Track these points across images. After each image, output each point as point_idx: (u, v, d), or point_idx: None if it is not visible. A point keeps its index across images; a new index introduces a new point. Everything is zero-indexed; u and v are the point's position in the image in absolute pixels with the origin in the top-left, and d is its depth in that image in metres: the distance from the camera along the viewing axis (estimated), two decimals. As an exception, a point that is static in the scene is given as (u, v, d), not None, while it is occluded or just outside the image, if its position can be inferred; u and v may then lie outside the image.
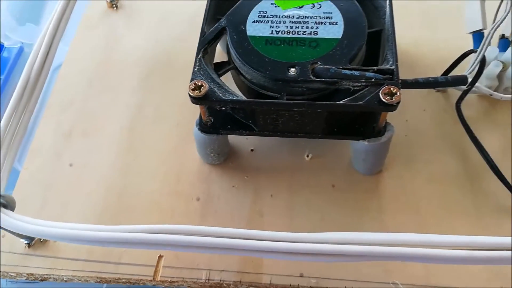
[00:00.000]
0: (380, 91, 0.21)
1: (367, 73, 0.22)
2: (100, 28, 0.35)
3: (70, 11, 0.30)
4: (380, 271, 0.24)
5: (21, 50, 0.37)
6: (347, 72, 0.22)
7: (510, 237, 0.18)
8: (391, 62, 0.23)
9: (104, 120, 0.30)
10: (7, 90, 0.35)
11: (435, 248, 0.19)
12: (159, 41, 0.34)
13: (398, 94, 0.21)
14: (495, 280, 0.24)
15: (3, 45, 0.37)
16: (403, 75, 0.31)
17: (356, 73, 0.22)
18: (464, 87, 0.26)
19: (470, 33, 0.30)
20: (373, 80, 0.22)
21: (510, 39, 0.30)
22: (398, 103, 0.21)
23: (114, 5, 0.36)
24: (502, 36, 0.30)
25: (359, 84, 0.22)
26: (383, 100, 0.21)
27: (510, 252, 0.18)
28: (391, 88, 0.21)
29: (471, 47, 0.29)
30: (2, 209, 0.22)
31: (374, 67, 0.22)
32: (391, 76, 0.22)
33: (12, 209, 0.22)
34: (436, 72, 0.30)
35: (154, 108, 0.30)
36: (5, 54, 0.37)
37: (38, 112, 0.31)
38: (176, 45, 0.33)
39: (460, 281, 0.24)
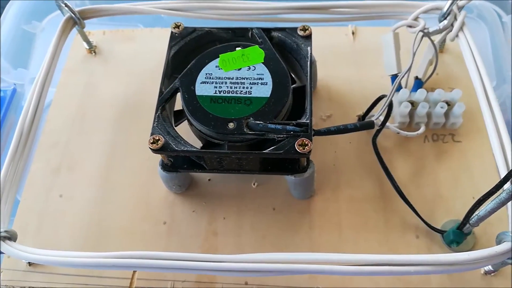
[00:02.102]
0: (296, 142, 0.27)
1: (287, 127, 0.28)
2: (80, 73, 0.40)
3: (57, 60, 0.36)
4: (306, 278, 0.30)
5: (14, 91, 0.43)
6: (272, 126, 0.28)
7: (405, 255, 0.24)
8: (307, 116, 0.29)
9: (85, 157, 0.36)
10: (4, 127, 0.41)
11: (342, 265, 0.25)
12: (130, 85, 0.40)
13: (309, 145, 0.27)
14: (397, 283, 0.30)
15: (-2, 87, 0.43)
16: (336, 111, 0.38)
17: (279, 127, 0.28)
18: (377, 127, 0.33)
19: (389, 75, 0.36)
20: (291, 132, 0.28)
21: (423, 81, 0.36)
22: (309, 151, 0.27)
23: (92, 51, 0.42)
24: (416, 78, 0.36)
25: (281, 135, 0.28)
26: (297, 150, 0.27)
27: (401, 267, 0.24)
28: (304, 140, 0.27)
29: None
30: (7, 241, 0.28)
31: (294, 121, 0.28)
32: (306, 128, 0.28)
33: (15, 240, 0.28)
34: (363, 108, 0.36)
35: (126, 145, 0.36)
36: (1, 94, 0.43)
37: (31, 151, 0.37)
38: (143, 89, 0.39)
39: (368, 284, 0.30)
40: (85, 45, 0.41)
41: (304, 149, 0.27)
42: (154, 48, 0.41)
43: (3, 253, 0.28)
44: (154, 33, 0.43)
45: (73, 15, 0.36)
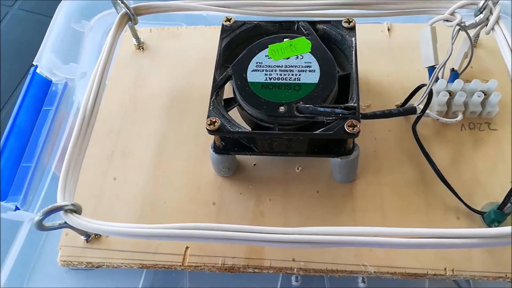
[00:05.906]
0: (345, 123, 0.29)
1: (336, 110, 0.30)
2: (130, 68, 0.43)
3: (113, 53, 0.38)
4: (352, 255, 0.32)
5: (65, 85, 0.46)
6: (321, 109, 0.30)
7: (451, 229, 0.25)
8: (354, 100, 0.30)
9: (138, 144, 0.38)
10: (56, 119, 0.44)
11: (389, 237, 0.26)
12: (177, 78, 0.42)
13: (357, 126, 0.29)
14: (440, 262, 0.31)
15: (51, 81, 0.45)
16: (375, 101, 0.39)
17: (328, 110, 0.30)
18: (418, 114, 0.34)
19: (425, 67, 0.37)
20: (340, 115, 0.29)
21: (459, 73, 0.38)
22: (358, 132, 0.29)
23: (140, 47, 0.44)
24: (452, 69, 0.38)
25: (330, 118, 0.30)
26: (347, 130, 0.29)
27: (449, 239, 0.25)
28: (353, 122, 0.29)
29: (428, 78, 0.36)
30: (74, 213, 0.30)
31: (342, 105, 0.30)
32: (354, 111, 0.30)
33: (80, 213, 0.30)
34: (400, 98, 0.38)
35: (176, 133, 0.39)
36: (53, 88, 0.45)
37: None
38: (189, 82, 0.41)
39: (412, 262, 0.31)
40: (134, 41, 0.44)
41: (353, 129, 0.29)
42: (198, 44, 0.44)
43: (71, 226, 0.30)
44: (198, 31, 0.45)
45: (128, 11, 0.38)
